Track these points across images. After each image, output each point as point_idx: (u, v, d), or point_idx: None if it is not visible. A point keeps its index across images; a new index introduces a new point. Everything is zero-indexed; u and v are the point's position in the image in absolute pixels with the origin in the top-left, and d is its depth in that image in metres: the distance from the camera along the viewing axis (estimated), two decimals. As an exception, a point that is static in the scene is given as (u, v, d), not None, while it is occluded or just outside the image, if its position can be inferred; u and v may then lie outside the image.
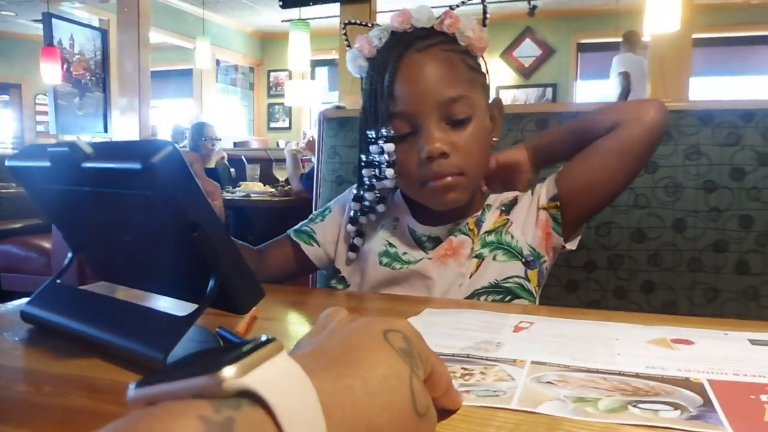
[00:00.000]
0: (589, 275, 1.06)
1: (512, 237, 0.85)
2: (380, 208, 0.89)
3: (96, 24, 5.32)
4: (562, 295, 1.08)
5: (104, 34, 5.14)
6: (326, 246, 0.95)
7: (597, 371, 0.47)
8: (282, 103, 8.18)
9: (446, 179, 0.80)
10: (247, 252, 0.94)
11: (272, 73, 8.79)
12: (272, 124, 8.85)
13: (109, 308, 0.58)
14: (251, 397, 0.25)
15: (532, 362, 0.49)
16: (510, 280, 0.83)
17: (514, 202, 0.89)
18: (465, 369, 0.48)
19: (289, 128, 8.66)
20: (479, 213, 0.89)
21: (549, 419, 0.39)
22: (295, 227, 0.98)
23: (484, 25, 0.86)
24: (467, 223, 0.87)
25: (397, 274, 0.86)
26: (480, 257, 0.84)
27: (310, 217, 1.00)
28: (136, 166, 0.45)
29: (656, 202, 1.04)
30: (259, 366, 0.26)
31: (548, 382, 0.44)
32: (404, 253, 0.87)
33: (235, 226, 3.75)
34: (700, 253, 1.02)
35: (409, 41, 0.82)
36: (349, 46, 0.88)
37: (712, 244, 1.02)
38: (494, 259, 0.84)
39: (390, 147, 0.81)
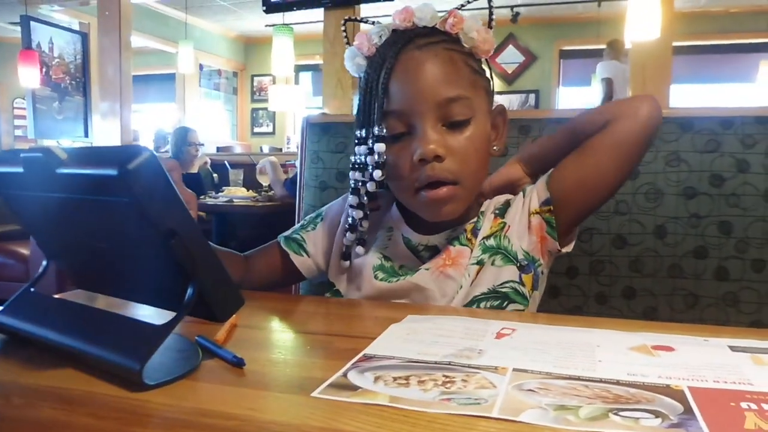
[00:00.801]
0: (571, 281, 1.07)
1: (509, 241, 0.83)
2: (358, 213, 0.84)
3: (76, 27, 5.25)
4: (544, 301, 1.08)
5: (84, 37, 5.08)
6: (316, 256, 0.92)
7: (578, 378, 0.47)
8: (266, 108, 8.15)
9: (441, 191, 0.76)
10: (232, 259, 0.92)
11: (256, 78, 8.76)
12: (256, 129, 8.81)
13: (84, 317, 0.57)
14: None
15: (514, 369, 0.49)
16: (506, 284, 0.81)
17: (507, 204, 0.87)
18: (446, 377, 0.47)
19: (273, 133, 8.63)
20: (475, 220, 0.85)
21: (530, 428, 0.39)
22: (286, 233, 0.95)
23: (490, 26, 0.83)
24: (465, 231, 0.84)
25: (394, 287, 0.82)
26: (481, 263, 0.82)
27: (301, 223, 0.97)
28: (113, 172, 0.44)
29: (637, 208, 1.04)
30: None
31: (530, 390, 0.44)
32: (400, 267, 0.84)
33: (218, 231, 3.72)
34: (681, 259, 1.03)
35: (410, 38, 0.78)
36: (348, 43, 0.85)
37: (692, 250, 1.03)
38: (493, 264, 0.82)
39: (380, 147, 0.76)
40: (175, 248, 0.47)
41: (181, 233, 0.47)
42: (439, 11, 0.82)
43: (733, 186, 1.02)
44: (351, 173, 0.82)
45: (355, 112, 0.84)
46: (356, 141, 0.80)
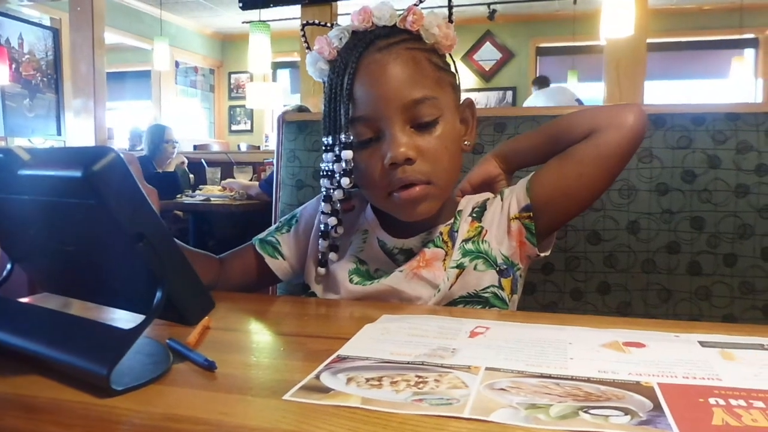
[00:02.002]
0: (547, 277, 1.07)
1: (489, 245, 0.82)
2: (331, 221, 0.84)
3: (47, 23, 5.16)
4: (520, 298, 1.09)
5: (56, 33, 5.00)
6: (291, 259, 0.91)
7: (550, 376, 0.47)
8: (243, 106, 8.09)
9: (414, 191, 0.76)
10: (206, 261, 0.91)
11: (233, 75, 8.68)
12: (233, 127, 8.74)
13: (49, 321, 0.55)
14: None
15: (486, 368, 0.49)
16: (487, 290, 0.80)
17: (484, 207, 0.86)
18: (419, 377, 0.47)
19: (251, 131, 8.56)
20: (452, 221, 0.85)
21: (501, 428, 0.39)
22: (261, 236, 0.94)
23: (450, 21, 0.82)
24: (440, 233, 0.83)
25: (369, 290, 0.81)
26: (461, 267, 0.81)
27: (276, 224, 0.95)
28: (77, 173, 0.43)
29: (611, 204, 1.05)
30: None
31: (501, 389, 0.44)
32: (376, 270, 0.83)
33: (195, 230, 3.68)
34: (654, 255, 1.04)
35: (370, 40, 0.77)
36: (308, 48, 0.83)
37: (665, 245, 1.04)
38: (475, 268, 0.81)
39: (348, 154, 0.76)
40: (143, 251, 0.46)
41: (148, 236, 0.46)
42: (397, 10, 0.81)
43: (704, 182, 1.03)
44: (321, 181, 0.82)
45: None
46: (323, 148, 0.79)
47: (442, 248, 0.82)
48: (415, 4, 0.81)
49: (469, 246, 0.82)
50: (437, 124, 0.77)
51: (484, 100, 7.52)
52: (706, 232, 1.03)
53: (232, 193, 3.57)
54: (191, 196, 3.64)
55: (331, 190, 0.81)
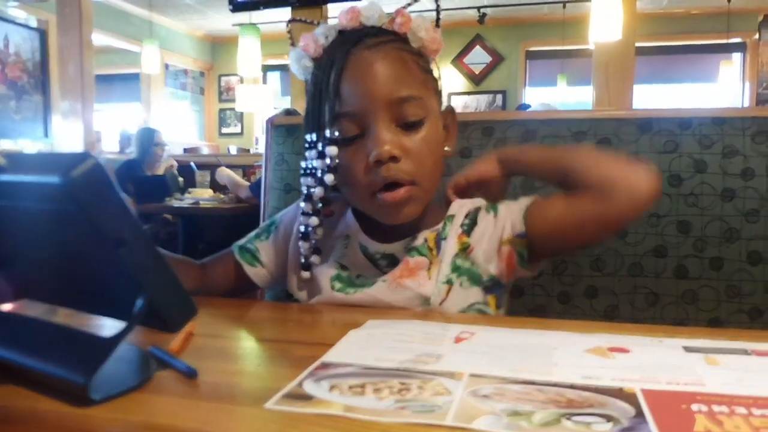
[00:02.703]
0: (535, 281, 1.07)
1: (473, 263, 0.81)
2: (313, 221, 0.82)
3: (34, 24, 5.11)
4: (507, 301, 1.09)
5: (43, 34, 4.96)
6: (270, 267, 0.90)
7: (533, 383, 0.47)
8: (233, 108, 8.06)
9: (398, 192, 0.74)
10: (188, 267, 0.90)
11: (223, 78, 8.66)
12: (224, 130, 8.71)
13: (26, 329, 0.55)
14: None
15: (471, 375, 0.49)
16: (473, 306, 0.80)
17: (475, 221, 0.83)
18: (403, 384, 0.47)
19: (241, 134, 8.54)
20: (440, 227, 0.83)
21: (483, 436, 0.38)
22: (240, 242, 0.93)
23: (437, 26, 0.82)
24: (425, 240, 0.82)
25: (352, 299, 0.80)
26: (450, 282, 0.79)
27: (256, 230, 0.94)
28: (55, 179, 0.42)
29: (598, 208, 1.05)
30: None
31: (484, 396, 0.44)
32: (357, 276, 0.82)
33: (185, 233, 3.66)
34: (641, 258, 1.04)
35: (359, 38, 0.76)
36: (293, 44, 0.83)
37: (651, 249, 1.04)
38: (460, 285, 0.80)
39: (332, 150, 0.75)
40: (124, 257, 0.46)
41: (129, 242, 0.46)
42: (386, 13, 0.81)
43: (691, 186, 1.04)
44: (302, 179, 0.80)
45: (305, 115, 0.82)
46: (306, 146, 0.78)
47: (426, 256, 0.81)
48: (403, 7, 0.81)
49: (459, 261, 0.81)
50: (423, 124, 0.77)
51: (473, 103, 7.54)
52: (693, 236, 1.03)
53: (222, 197, 3.56)
54: (180, 200, 3.63)
55: (312, 189, 0.80)
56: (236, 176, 3.51)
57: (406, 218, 0.78)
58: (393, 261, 0.82)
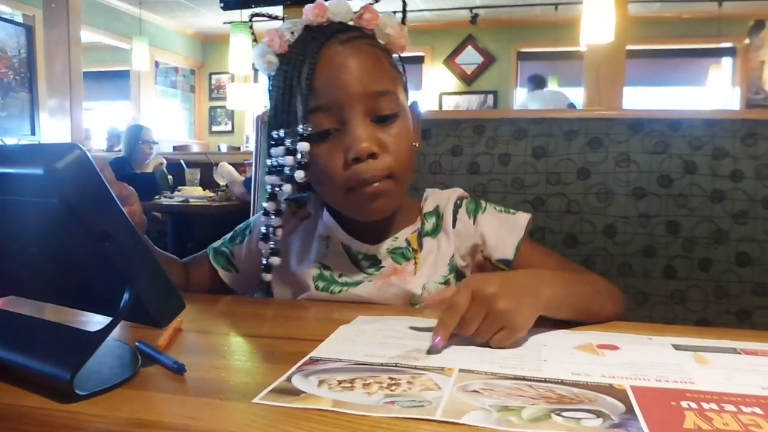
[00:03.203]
0: (525, 280, 1.07)
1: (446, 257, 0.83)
2: (276, 221, 0.80)
3: (19, 19, 5.05)
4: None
5: (29, 30, 4.89)
6: (246, 272, 0.89)
7: (523, 378, 0.46)
8: (224, 106, 8.03)
9: (376, 185, 0.73)
10: (173, 266, 0.90)
11: (214, 76, 8.62)
12: (214, 128, 8.67)
13: (11, 324, 0.54)
14: None
15: (460, 370, 0.48)
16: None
17: (455, 216, 0.84)
18: (392, 379, 0.47)
19: (232, 132, 8.50)
20: (418, 225, 0.84)
21: (472, 430, 0.38)
22: (216, 244, 0.92)
23: (403, 22, 0.82)
24: (408, 241, 0.82)
25: (337, 298, 0.80)
26: (447, 283, 0.81)
27: (231, 233, 0.93)
28: (38, 171, 0.42)
29: (588, 208, 1.06)
30: None
31: (474, 391, 0.44)
32: (340, 275, 0.82)
33: (174, 232, 3.64)
34: (630, 258, 1.05)
35: (330, 33, 0.75)
36: (255, 40, 0.81)
37: (641, 249, 1.04)
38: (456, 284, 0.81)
39: (304, 146, 0.73)
40: (109, 251, 0.45)
41: (115, 235, 0.45)
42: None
43: (680, 187, 1.04)
44: (267, 177, 0.79)
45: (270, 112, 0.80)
46: (272, 143, 0.76)
47: (410, 258, 0.81)
48: (371, 3, 0.80)
49: (458, 260, 0.82)
50: (396, 119, 0.76)
51: (465, 103, 7.55)
52: (682, 237, 1.03)
53: (212, 195, 3.54)
54: (170, 197, 3.60)
55: (278, 188, 0.78)
56: (235, 172, 3.49)
57: (380, 213, 0.77)
58: (375, 262, 0.82)
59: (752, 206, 1.02)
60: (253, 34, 0.86)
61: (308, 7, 0.77)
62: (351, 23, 0.79)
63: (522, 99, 5.90)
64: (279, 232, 0.82)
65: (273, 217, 0.81)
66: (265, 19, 0.89)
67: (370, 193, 0.74)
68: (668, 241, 1.04)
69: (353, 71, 0.74)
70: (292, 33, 0.78)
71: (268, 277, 0.84)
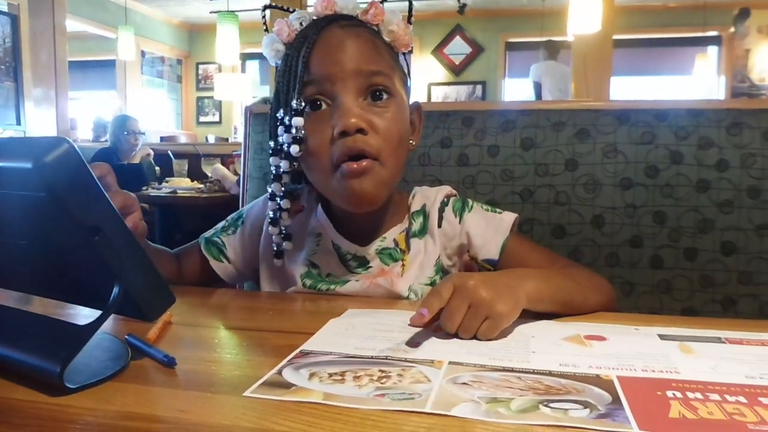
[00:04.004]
0: (513, 271, 1.08)
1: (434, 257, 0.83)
2: (284, 203, 0.80)
3: (5, 8, 4.98)
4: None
5: (14, 19, 4.83)
6: (237, 263, 0.89)
7: (512, 370, 0.47)
8: (212, 97, 7.97)
9: (361, 163, 0.72)
10: (165, 257, 0.89)
11: (201, 66, 8.54)
12: (202, 118, 8.61)
13: (0, 318, 0.54)
14: None
15: (450, 362, 0.49)
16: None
17: (441, 215, 0.85)
18: (382, 371, 0.47)
19: (220, 122, 8.45)
20: (406, 224, 0.84)
21: (461, 422, 0.38)
22: (208, 234, 0.91)
23: (409, 22, 0.82)
24: (395, 242, 0.83)
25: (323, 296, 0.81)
26: (434, 284, 0.81)
27: (223, 223, 0.93)
28: (27, 165, 0.41)
29: (576, 199, 1.06)
30: None
31: (463, 383, 0.44)
32: (328, 275, 0.82)
33: (162, 223, 3.62)
34: (617, 248, 1.06)
35: (332, 19, 0.77)
36: (267, 30, 0.82)
37: (628, 239, 1.05)
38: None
39: (298, 121, 0.72)
40: (99, 245, 0.45)
41: (104, 229, 0.45)
42: (360, 2, 0.81)
43: (667, 177, 1.05)
44: (272, 159, 0.79)
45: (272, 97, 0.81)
46: (276, 123, 0.77)
47: (399, 259, 0.82)
48: (377, 0, 0.81)
49: (444, 260, 0.83)
50: (390, 102, 0.76)
51: (454, 94, 7.55)
52: (668, 227, 1.05)
53: (200, 186, 3.52)
54: (158, 189, 3.58)
55: (273, 168, 0.78)
56: (229, 173, 3.49)
57: (367, 196, 0.74)
58: (363, 262, 0.82)
59: (737, 195, 1.03)
60: (265, 24, 0.86)
61: (317, 0, 0.79)
62: (357, 17, 0.80)
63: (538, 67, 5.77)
64: (285, 216, 0.81)
65: (280, 199, 0.80)
66: (256, 8, 0.89)
67: (354, 170, 0.72)
68: (655, 231, 1.05)
69: (348, 50, 0.74)
70: (301, 23, 0.79)
71: (278, 262, 0.84)
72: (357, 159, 0.72)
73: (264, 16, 0.86)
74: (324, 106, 0.74)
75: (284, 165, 0.76)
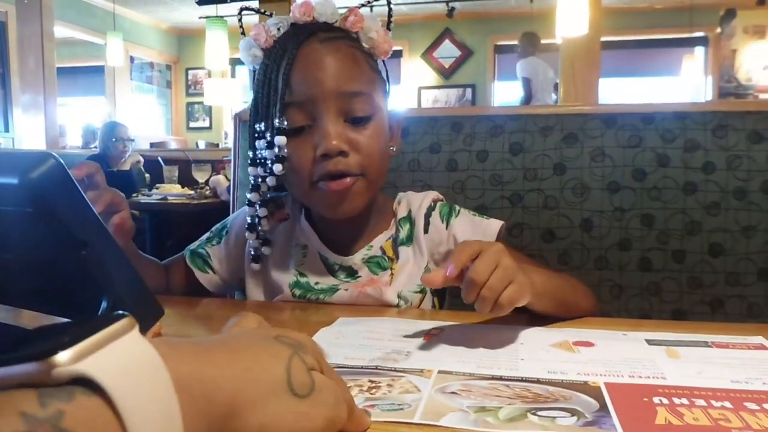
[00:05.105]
0: (503, 275, 1.08)
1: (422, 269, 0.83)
2: (261, 211, 0.81)
3: (-9, 15, 4.96)
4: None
5: (2, 26, 4.81)
6: (222, 273, 0.89)
7: (500, 378, 0.47)
8: (201, 102, 7.95)
9: (344, 181, 0.74)
10: (153, 269, 0.89)
11: (190, 71, 8.52)
12: (192, 124, 8.58)
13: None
14: (88, 384, 0.22)
15: (439, 372, 0.49)
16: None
17: (428, 221, 0.85)
18: (372, 381, 0.47)
19: (210, 128, 8.43)
20: (392, 231, 0.85)
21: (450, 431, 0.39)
22: (193, 246, 0.92)
23: (388, 28, 0.82)
24: (382, 250, 0.83)
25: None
26: (423, 292, 0.82)
27: (208, 233, 0.93)
28: (12, 180, 0.41)
29: (564, 203, 1.07)
30: (100, 348, 0.23)
31: (452, 392, 0.44)
32: (316, 283, 0.82)
33: (152, 230, 3.60)
34: (606, 252, 1.06)
35: (311, 31, 0.76)
36: (243, 33, 0.82)
37: (616, 242, 1.06)
38: (431, 291, 0.83)
39: (281, 140, 0.73)
40: (87, 260, 0.45)
41: (92, 244, 0.45)
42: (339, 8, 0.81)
43: (654, 180, 1.06)
44: (250, 169, 0.80)
45: (251, 104, 0.81)
46: (255, 135, 0.77)
47: (387, 268, 0.82)
48: (357, 6, 0.81)
49: (432, 267, 0.83)
50: (370, 121, 0.76)
51: (443, 97, 7.57)
52: (656, 229, 1.05)
53: (191, 192, 3.51)
54: (148, 195, 3.56)
55: (260, 180, 0.79)
56: (222, 178, 3.49)
57: (347, 211, 0.77)
58: (351, 272, 0.82)
59: (724, 197, 1.04)
60: (241, 27, 0.85)
61: (296, 4, 0.78)
62: (336, 24, 0.80)
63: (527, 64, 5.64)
64: (264, 222, 0.82)
65: (258, 207, 0.81)
66: (251, 13, 0.89)
67: (335, 190, 0.74)
68: (643, 233, 1.06)
69: (329, 69, 0.74)
70: (279, 29, 0.79)
71: (255, 266, 0.84)
72: (338, 177, 0.74)
73: (240, 19, 0.86)
74: (305, 125, 0.75)
75: (271, 181, 0.78)
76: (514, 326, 0.62)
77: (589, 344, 0.55)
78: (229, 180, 3.42)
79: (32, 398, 0.21)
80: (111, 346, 0.24)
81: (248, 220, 0.83)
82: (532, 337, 0.58)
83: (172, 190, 3.62)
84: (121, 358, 0.24)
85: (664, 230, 1.05)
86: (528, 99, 5.35)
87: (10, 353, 0.24)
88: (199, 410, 0.27)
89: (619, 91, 7.38)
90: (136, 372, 0.24)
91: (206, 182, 3.58)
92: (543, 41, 5.78)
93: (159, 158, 4.23)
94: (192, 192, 3.55)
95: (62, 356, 0.22)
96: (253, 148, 0.78)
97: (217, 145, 6.94)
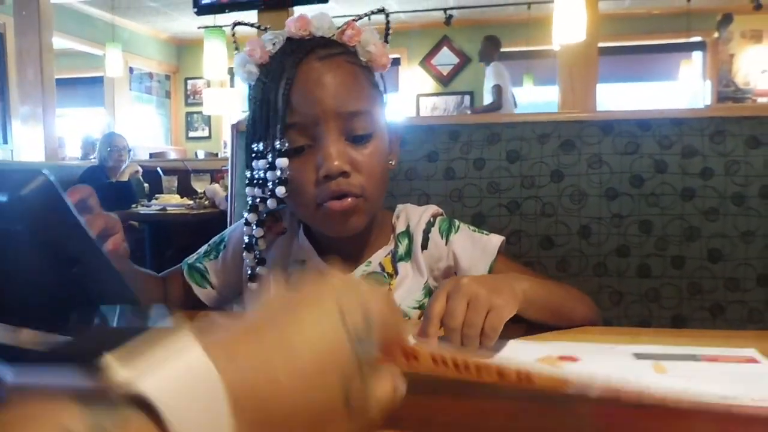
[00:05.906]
0: (502, 284, 1.08)
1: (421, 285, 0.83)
2: (257, 231, 0.80)
3: (-10, 27, 4.98)
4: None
5: (0, 37, 4.83)
6: (220, 288, 0.88)
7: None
8: (200, 112, 7.97)
9: (346, 201, 0.73)
10: (151, 282, 0.89)
11: (190, 81, 8.54)
12: (191, 134, 8.60)
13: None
14: (142, 405, 0.21)
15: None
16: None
17: (428, 237, 0.85)
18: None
19: (209, 137, 8.44)
20: (392, 246, 0.84)
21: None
22: (190, 259, 0.91)
23: (386, 41, 0.82)
24: (381, 265, 0.83)
25: None
26: (422, 308, 0.81)
27: (206, 247, 0.93)
28: (2, 198, 0.41)
29: (562, 210, 1.07)
30: (161, 368, 0.22)
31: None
32: None
33: (152, 240, 3.60)
34: (605, 258, 1.06)
35: (310, 48, 0.75)
36: (237, 49, 0.82)
37: (615, 249, 1.06)
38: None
39: (283, 162, 0.73)
40: (78, 276, 0.45)
41: (83, 261, 0.45)
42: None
43: (652, 186, 1.05)
44: (248, 189, 0.78)
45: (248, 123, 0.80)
46: (253, 155, 0.76)
47: (386, 284, 0.81)
48: (353, 20, 0.80)
49: (431, 283, 0.83)
50: (371, 139, 0.76)
51: (442, 104, 7.58)
52: (655, 236, 1.05)
53: (190, 203, 3.51)
54: (147, 206, 3.56)
55: (258, 200, 0.78)
56: (218, 188, 3.49)
57: (351, 230, 0.77)
58: None
59: (722, 203, 1.04)
60: (235, 42, 0.85)
61: (291, 19, 0.77)
62: (333, 38, 0.79)
63: (491, 76, 5.50)
64: (261, 242, 0.81)
65: (255, 227, 0.80)
66: (245, 23, 0.89)
67: (338, 210, 0.74)
68: (641, 240, 1.05)
69: (329, 88, 0.73)
70: (274, 44, 0.78)
71: (253, 286, 0.83)
72: (341, 197, 0.73)
73: (234, 34, 0.86)
74: (305, 144, 0.74)
75: (271, 204, 0.77)
76: (501, 339, 0.61)
77: (573, 359, 0.55)
78: (226, 190, 3.42)
79: (76, 416, 0.20)
80: (171, 365, 0.23)
81: (245, 239, 0.82)
82: (517, 351, 0.58)
83: (171, 201, 3.62)
84: (180, 379, 0.23)
85: (663, 236, 1.05)
86: (498, 107, 5.27)
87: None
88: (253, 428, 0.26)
89: (617, 97, 7.39)
90: (192, 395, 0.23)
91: (204, 192, 3.57)
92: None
93: (158, 168, 4.23)
94: (191, 202, 3.54)
95: (122, 373, 0.21)
96: (251, 168, 0.77)
97: (217, 154, 6.94)
